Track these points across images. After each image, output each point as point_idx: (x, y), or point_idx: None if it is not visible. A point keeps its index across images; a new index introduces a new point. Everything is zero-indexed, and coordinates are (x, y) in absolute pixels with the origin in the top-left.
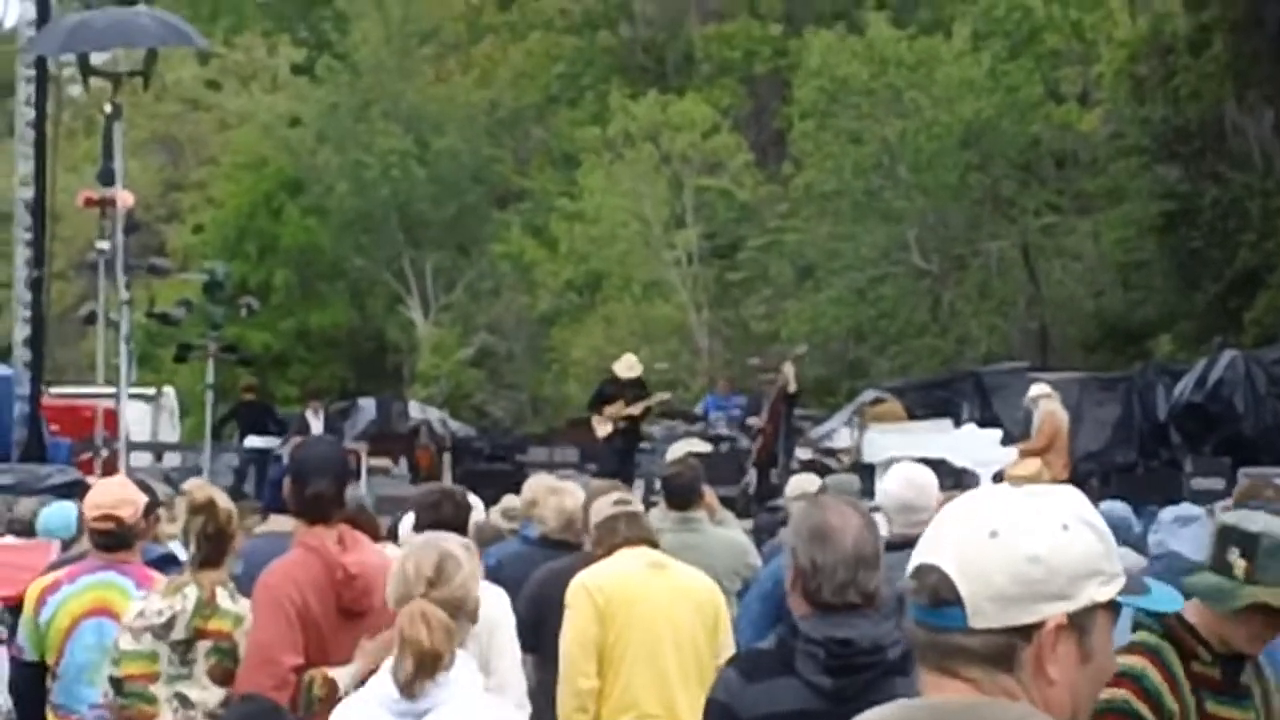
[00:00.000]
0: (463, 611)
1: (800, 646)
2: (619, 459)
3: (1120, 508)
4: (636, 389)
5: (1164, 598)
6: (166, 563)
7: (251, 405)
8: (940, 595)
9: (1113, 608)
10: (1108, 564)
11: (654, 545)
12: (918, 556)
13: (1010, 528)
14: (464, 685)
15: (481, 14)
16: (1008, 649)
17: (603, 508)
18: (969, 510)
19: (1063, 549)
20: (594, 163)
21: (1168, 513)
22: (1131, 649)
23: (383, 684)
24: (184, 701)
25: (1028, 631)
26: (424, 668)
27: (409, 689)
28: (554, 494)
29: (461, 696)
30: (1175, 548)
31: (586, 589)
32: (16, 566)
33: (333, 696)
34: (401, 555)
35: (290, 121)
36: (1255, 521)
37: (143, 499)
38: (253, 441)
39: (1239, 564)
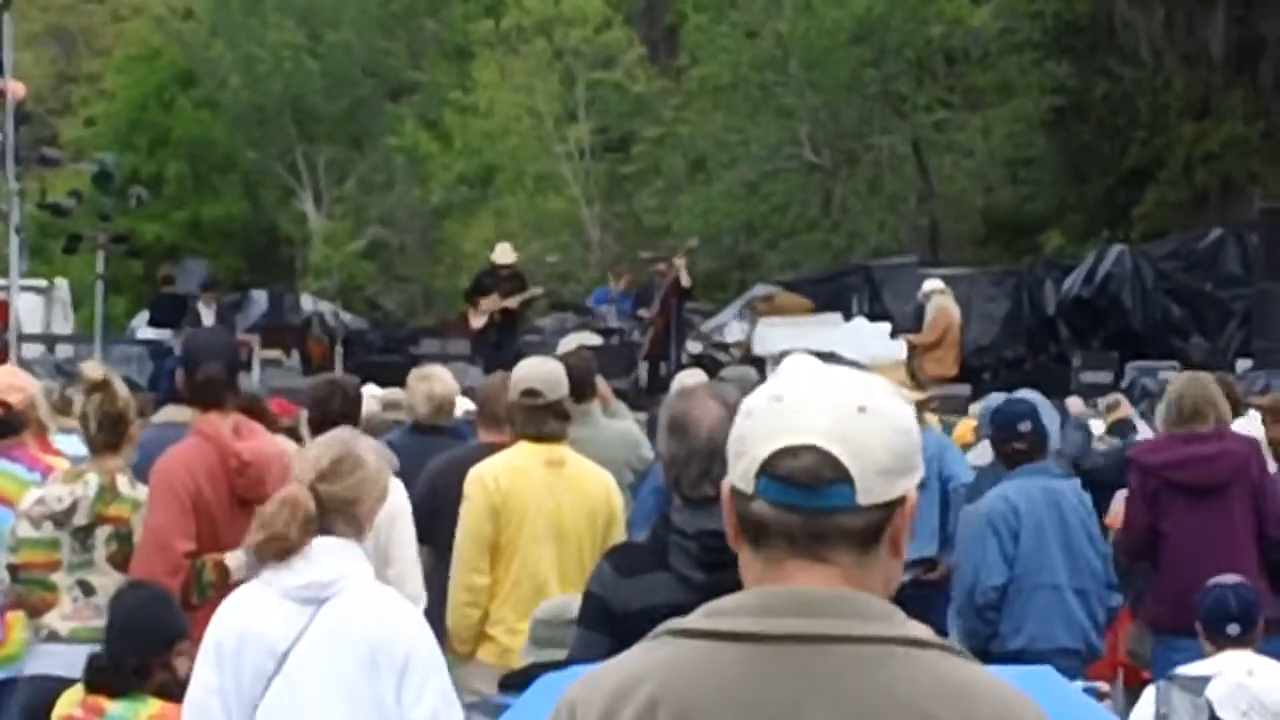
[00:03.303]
0: (344, 514)
1: (673, 540)
2: (494, 351)
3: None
4: (513, 282)
5: None
6: None
7: (167, 297)
8: (822, 475)
9: None
10: None
11: (557, 439)
12: (770, 439)
13: (875, 402)
14: (358, 575)
15: None
16: (879, 526)
17: (512, 394)
18: (819, 390)
19: (912, 420)
20: (487, 56)
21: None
22: None
23: (280, 573)
24: (85, 589)
25: (893, 507)
26: (273, 550)
27: (267, 561)
28: (423, 381)
29: (357, 586)
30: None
31: (483, 483)
32: None
33: (224, 581)
34: (313, 444)
35: (183, 14)
36: None
37: (31, 385)
38: (147, 333)
39: None
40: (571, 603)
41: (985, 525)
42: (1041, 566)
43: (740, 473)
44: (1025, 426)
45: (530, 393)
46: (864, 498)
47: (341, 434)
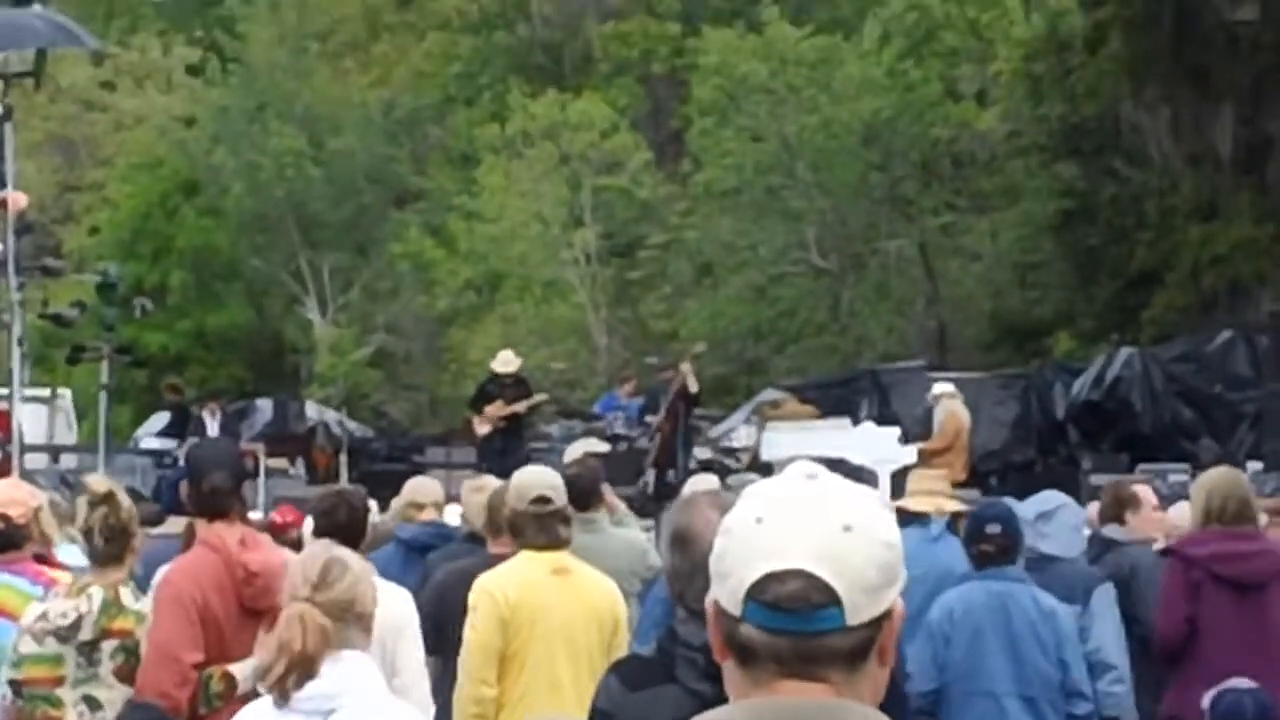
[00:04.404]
0: (349, 615)
1: (680, 652)
2: (499, 458)
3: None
4: (517, 388)
5: None
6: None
7: (176, 407)
8: (811, 599)
9: None
10: None
11: (563, 547)
12: (755, 562)
13: (859, 519)
14: (366, 686)
15: (379, 13)
16: (868, 643)
17: (519, 503)
18: (801, 509)
19: (895, 530)
20: (493, 162)
21: (1029, 507)
22: None
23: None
24: (91, 704)
25: (880, 622)
26: (294, 671)
27: (280, 691)
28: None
29: (364, 698)
30: (1045, 550)
31: (490, 594)
32: None
33: (232, 692)
34: (294, 561)
35: (185, 122)
36: None
37: (33, 498)
38: (151, 443)
39: None
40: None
41: (923, 631)
42: (976, 673)
43: (727, 595)
44: (994, 529)
45: (541, 499)
46: (853, 618)
47: (319, 545)
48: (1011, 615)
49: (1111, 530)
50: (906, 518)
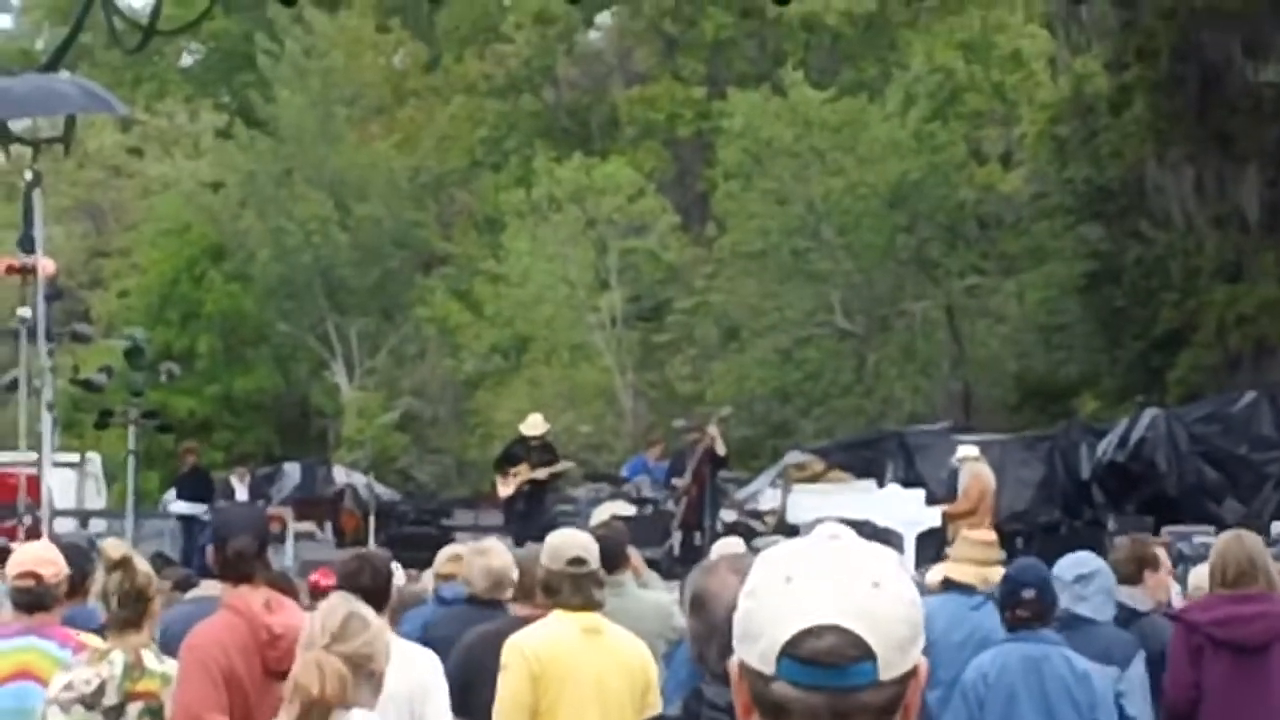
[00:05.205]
0: (363, 671)
1: (706, 714)
2: (522, 520)
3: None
4: (544, 452)
5: None
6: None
7: (192, 471)
8: (846, 654)
9: None
10: None
11: (597, 608)
12: (788, 620)
13: (886, 576)
14: None
15: (405, 79)
16: (896, 699)
17: (554, 563)
18: (830, 568)
19: (915, 588)
20: (519, 226)
21: (1066, 569)
22: None
23: None
24: None
25: (908, 679)
26: (309, 715)
27: None
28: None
29: None
30: (1080, 612)
31: (522, 651)
32: None
33: None
34: (313, 613)
35: (213, 188)
36: None
37: (64, 561)
38: (179, 508)
39: None
40: None
41: (957, 694)
42: None
43: (758, 654)
44: (1029, 594)
45: (577, 560)
46: (886, 673)
47: (339, 597)
48: (1045, 678)
49: (1129, 594)
50: (950, 584)
